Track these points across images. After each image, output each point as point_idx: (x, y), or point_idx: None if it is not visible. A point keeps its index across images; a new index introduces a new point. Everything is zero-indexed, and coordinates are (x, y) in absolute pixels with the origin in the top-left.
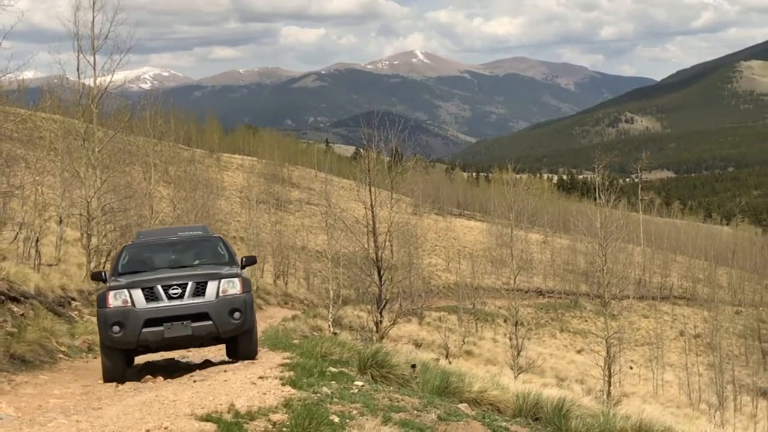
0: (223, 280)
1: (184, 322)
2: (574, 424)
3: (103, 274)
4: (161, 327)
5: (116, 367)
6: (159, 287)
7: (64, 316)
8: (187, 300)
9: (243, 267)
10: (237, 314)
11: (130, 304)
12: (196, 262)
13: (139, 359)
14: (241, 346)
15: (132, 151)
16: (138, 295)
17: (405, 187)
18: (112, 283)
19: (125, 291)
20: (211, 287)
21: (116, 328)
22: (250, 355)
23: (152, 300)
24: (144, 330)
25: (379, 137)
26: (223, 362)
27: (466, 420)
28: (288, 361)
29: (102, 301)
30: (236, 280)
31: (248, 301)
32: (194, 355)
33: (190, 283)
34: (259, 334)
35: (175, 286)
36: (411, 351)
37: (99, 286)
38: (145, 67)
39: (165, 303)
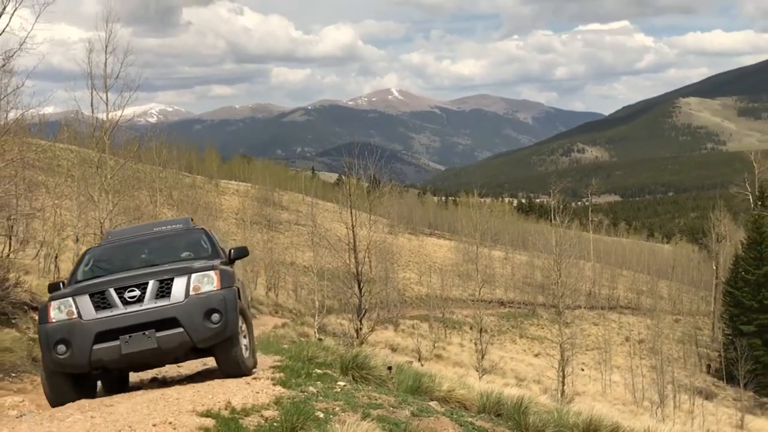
0: (194, 275)
1: (146, 333)
2: (532, 420)
3: (61, 284)
4: (117, 341)
5: (62, 396)
6: (111, 291)
7: None
8: (148, 304)
9: (232, 260)
10: (215, 316)
11: (76, 315)
12: (171, 259)
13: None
14: (223, 358)
15: (140, 178)
16: (85, 303)
17: (382, 210)
18: (55, 293)
19: (70, 300)
20: (179, 285)
21: (61, 348)
22: (240, 370)
23: (104, 308)
24: (95, 347)
25: (359, 165)
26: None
27: (436, 416)
28: (278, 363)
29: (43, 315)
30: (212, 273)
31: (230, 299)
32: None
33: (150, 283)
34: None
35: (131, 288)
36: (387, 355)
37: None
38: (152, 103)
39: (120, 310)
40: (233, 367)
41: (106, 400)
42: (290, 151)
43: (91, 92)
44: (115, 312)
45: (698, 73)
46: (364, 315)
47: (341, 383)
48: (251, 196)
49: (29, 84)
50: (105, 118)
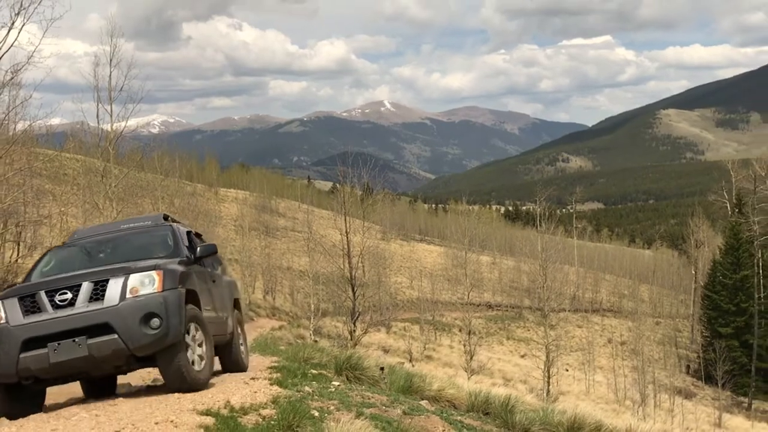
0: (132, 276)
1: (76, 340)
2: (519, 418)
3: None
4: (45, 349)
5: None
6: (42, 294)
7: None
8: (79, 308)
9: (198, 258)
10: (154, 321)
11: (4, 320)
12: (129, 258)
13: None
14: (165, 368)
15: (143, 186)
16: (13, 307)
17: (375, 217)
18: None
19: None
20: (114, 287)
21: None
22: (185, 382)
23: (33, 312)
24: (23, 355)
25: (353, 174)
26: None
27: (426, 414)
28: (275, 364)
29: None
30: (154, 273)
31: (172, 302)
32: None
33: (84, 284)
34: (250, 341)
35: (63, 290)
36: (380, 356)
37: None
38: (154, 115)
39: (49, 315)
40: (176, 379)
41: (110, 399)
42: (287, 161)
43: (97, 104)
44: (44, 317)
45: (678, 86)
46: (357, 318)
47: (335, 383)
48: (249, 204)
49: (37, 96)
50: (109, 129)
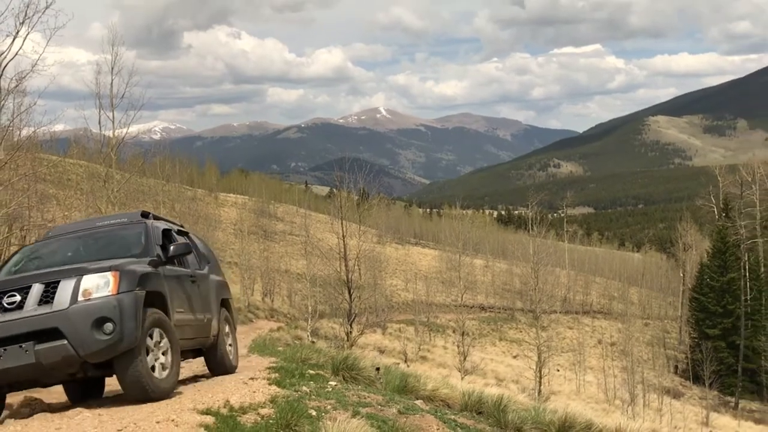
0: (85, 278)
1: (23, 345)
2: (511, 417)
3: None
4: None
5: None
6: None
7: None
8: (28, 311)
9: (170, 258)
10: (107, 326)
11: None
12: (97, 256)
13: None
14: (121, 376)
15: (145, 191)
16: None
17: (371, 221)
18: None
19: None
20: (65, 289)
21: None
22: (143, 391)
23: None
24: None
25: (350, 179)
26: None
27: (421, 413)
28: (274, 364)
29: None
30: (109, 274)
31: (127, 306)
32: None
33: (35, 286)
34: (249, 342)
35: (11, 293)
36: (376, 356)
37: None
38: (155, 121)
39: None
40: (133, 388)
41: (112, 399)
42: (285, 166)
43: (99, 111)
44: None
45: (666, 93)
46: (353, 319)
47: (332, 383)
48: (248, 208)
49: (41, 103)
50: (111, 135)
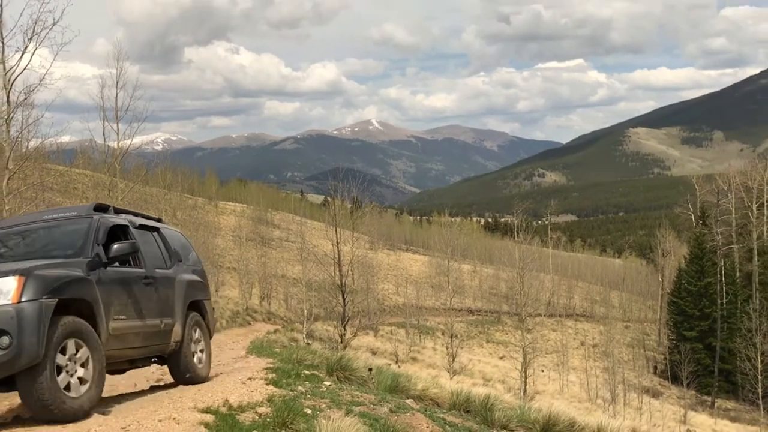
0: None
1: None
2: (497, 415)
3: None
4: None
5: None
6: None
7: None
8: None
9: (112, 259)
10: (3, 339)
11: None
12: (28, 255)
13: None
14: (24, 393)
15: (147, 199)
16: None
17: (363, 228)
18: None
19: None
20: None
21: None
22: (47, 410)
23: None
24: None
25: (343, 188)
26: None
27: (412, 412)
28: (271, 365)
29: None
30: (12, 279)
31: (29, 316)
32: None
33: None
34: (247, 344)
35: None
36: (368, 358)
37: None
38: (158, 133)
39: None
40: (37, 407)
41: (117, 398)
42: (281, 176)
43: (103, 123)
44: None
45: (645, 106)
46: (347, 322)
47: (327, 383)
48: (247, 216)
49: (48, 116)
50: (116, 146)
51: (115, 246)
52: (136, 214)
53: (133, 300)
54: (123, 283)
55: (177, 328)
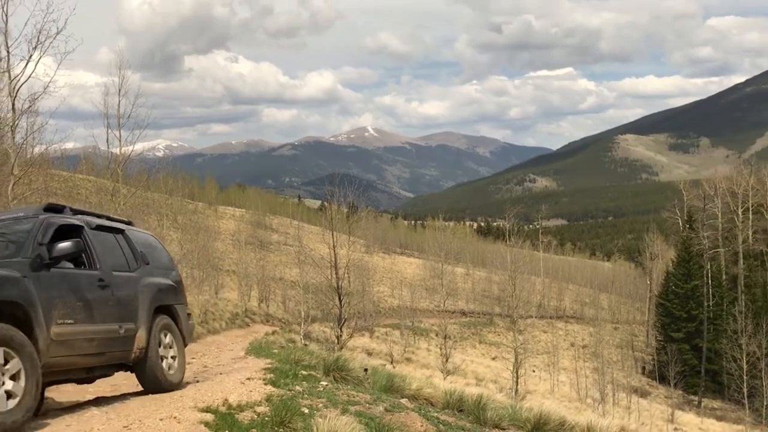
0: None
1: None
2: (490, 414)
3: None
4: None
5: None
6: None
7: None
8: None
9: (55, 259)
10: None
11: None
12: None
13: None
14: None
15: (149, 204)
16: None
17: (359, 232)
18: None
19: None
20: None
21: None
22: None
23: None
24: None
25: (340, 194)
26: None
27: (406, 411)
28: (269, 365)
29: None
30: None
31: None
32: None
33: None
34: (246, 345)
35: None
36: (364, 358)
37: None
38: (159, 140)
39: None
40: None
41: (119, 398)
42: (279, 181)
43: (106, 130)
44: None
45: (634, 113)
46: (343, 323)
47: (324, 383)
48: (246, 220)
49: (52, 123)
50: (118, 153)
51: (58, 246)
52: (100, 216)
53: (84, 303)
54: (70, 285)
55: (141, 334)
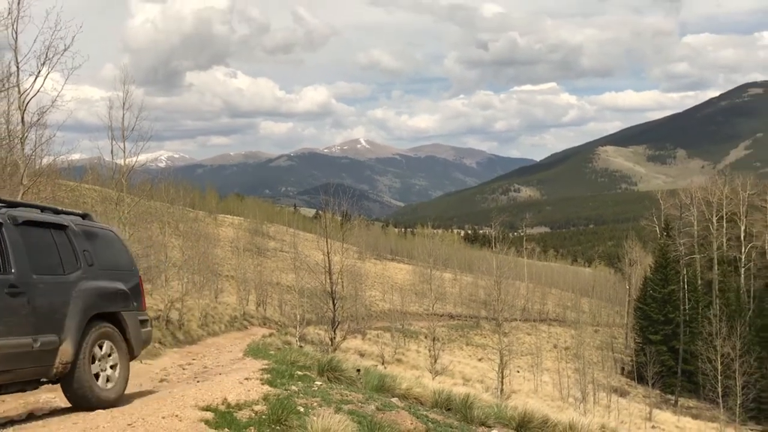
0: None
1: None
2: (476, 413)
3: None
4: None
5: None
6: None
7: None
8: None
9: None
10: None
11: None
12: None
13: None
14: None
15: (152, 213)
16: None
17: (352, 239)
18: None
19: None
20: None
21: None
22: None
23: None
24: None
25: (333, 203)
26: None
27: (397, 410)
28: (266, 366)
29: None
30: None
31: None
32: None
33: None
34: (244, 347)
35: None
36: (356, 359)
37: None
38: (161, 151)
39: None
40: None
41: (122, 398)
42: (276, 191)
43: (111, 142)
44: None
45: (613, 126)
46: (337, 326)
47: (318, 383)
48: (244, 228)
49: (60, 135)
50: (123, 164)
51: None
52: (45, 209)
53: None
54: None
55: (67, 347)
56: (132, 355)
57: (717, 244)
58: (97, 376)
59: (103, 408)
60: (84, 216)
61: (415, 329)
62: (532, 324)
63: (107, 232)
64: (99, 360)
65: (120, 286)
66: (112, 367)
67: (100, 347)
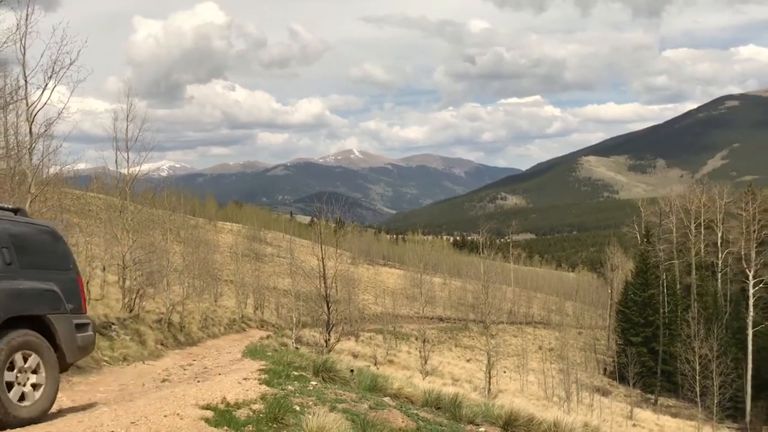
0: None
1: None
2: (465, 411)
3: None
4: None
5: None
6: None
7: (107, 336)
8: None
9: None
10: None
11: None
12: None
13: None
14: None
15: (154, 220)
16: None
17: (346, 245)
18: None
19: None
20: None
21: None
22: None
23: None
24: None
25: (328, 210)
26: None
27: (389, 408)
28: (264, 367)
29: None
30: None
31: None
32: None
33: None
34: (243, 348)
35: None
36: (350, 360)
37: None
38: (163, 161)
39: None
40: None
41: (127, 396)
42: (273, 199)
43: (115, 152)
44: None
45: (596, 137)
46: (331, 328)
47: (313, 383)
48: (242, 235)
49: (66, 145)
50: (126, 173)
51: None
52: None
53: None
54: None
55: None
56: (64, 363)
57: (695, 250)
58: (9, 387)
59: (21, 426)
60: (16, 211)
61: (406, 331)
62: (518, 326)
63: (40, 228)
64: (18, 372)
65: (48, 286)
66: (33, 384)
67: (20, 358)
